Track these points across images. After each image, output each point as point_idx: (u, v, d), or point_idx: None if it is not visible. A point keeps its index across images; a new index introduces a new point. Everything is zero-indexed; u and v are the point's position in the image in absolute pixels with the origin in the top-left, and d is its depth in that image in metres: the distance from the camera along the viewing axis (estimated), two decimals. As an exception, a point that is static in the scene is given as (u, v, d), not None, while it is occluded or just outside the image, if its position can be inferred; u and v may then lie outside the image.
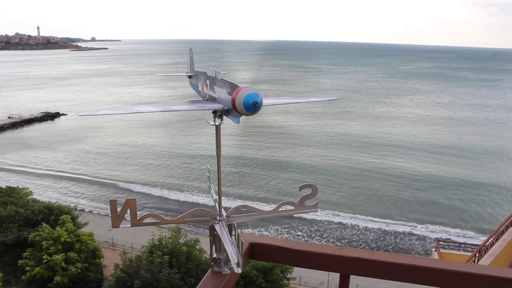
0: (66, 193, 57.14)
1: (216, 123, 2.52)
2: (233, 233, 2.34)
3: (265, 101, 2.54)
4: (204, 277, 2.22)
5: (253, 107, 2.53)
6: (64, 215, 32.58)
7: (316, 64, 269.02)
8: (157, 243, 30.14)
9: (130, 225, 2.32)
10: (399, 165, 65.70)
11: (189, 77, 4.73)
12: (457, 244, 26.84)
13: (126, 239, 39.69)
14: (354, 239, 44.72)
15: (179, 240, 31.77)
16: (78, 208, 47.22)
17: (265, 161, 65.57)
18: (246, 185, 56.14)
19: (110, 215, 2.31)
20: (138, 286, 25.53)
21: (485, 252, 16.69)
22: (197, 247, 30.62)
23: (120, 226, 2.28)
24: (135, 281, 25.55)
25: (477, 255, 16.55)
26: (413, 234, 45.60)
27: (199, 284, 2.16)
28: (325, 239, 44.56)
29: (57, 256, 28.81)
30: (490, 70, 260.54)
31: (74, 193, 57.33)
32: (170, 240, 31.47)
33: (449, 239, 41.52)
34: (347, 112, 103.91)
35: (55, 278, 28.99)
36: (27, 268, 29.37)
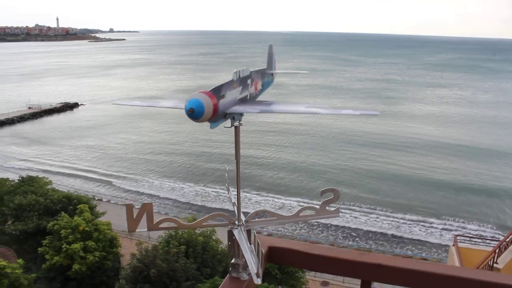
0: (84, 183, 58.02)
1: (235, 124, 2.46)
2: (252, 239, 2.28)
3: (276, 107, 2.53)
4: (223, 282, 2.17)
5: (189, 114, 2.50)
6: (82, 205, 33.08)
7: (347, 55, 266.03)
8: (173, 233, 30.41)
9: (146, 229, 2.28)
10: (419, 159, 64.91)
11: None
12: (476, 240, 26.39)
13: (143, 229, 40.11)
14: (370, 232, 44.47)
15: (196, 231, 32.04)
16: (96, 198, 47.92)
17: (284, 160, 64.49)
18: (264, 185, 55.40)
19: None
20: (154, 275, 25.81)
21: (505, 248, 16.37)
22: (213, 237, 30.78)
23: (136, 231, 2.25)
24: (151, 270, 25.83)
25: (497, 251, 16.22)
26: (431, 228, 45.09)
27: (218, 290, 2.11)
28: (341, 231, 44.47)
29: (75, 245, 29.29)
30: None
31: (92, 183, 58.17)
32: (186, 230, 31.77)
33: (468, 233, 40.97)
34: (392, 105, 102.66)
35: (73, 266, 29.51)
36: (47, 256, 29.96)
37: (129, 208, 2.25)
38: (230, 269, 2.24)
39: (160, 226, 2.27)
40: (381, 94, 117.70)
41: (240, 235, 2.24)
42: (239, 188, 2.42)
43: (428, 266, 2.23)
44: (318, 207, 2.44)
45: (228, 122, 2.56)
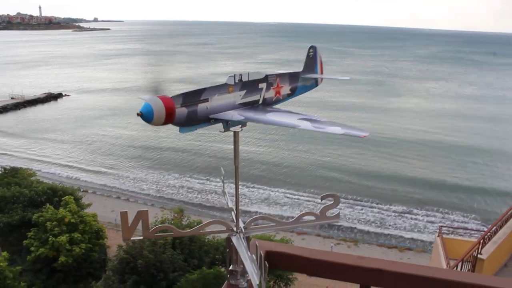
0: (69, 175, 57.36)
1: (234, 130, 2.40)
2: (251, 244, 2.21)
3: (266, 117, 2.51)
4: (221, 290, 2.11)
5: (140, 117, 2.66)
6: (67, 196, 32.71)
7: (341, 46, 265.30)
8: (160, 224, 30.29)
9: (142, 237, 2.21)
10: (404, 153, 65.45)
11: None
12: (460, 231, 26.85)
13: (129, 220, 39.83)
14: (355, 223, 44.89)
15: (182, 222, 31.96)
16: (82, 189, 47.43)
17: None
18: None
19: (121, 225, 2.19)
20: (141, 267, 25.72)
21: (489, 239, 16.65)
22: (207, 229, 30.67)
23: (131, 238, 2.18)
24: (139, 261, 25.74)
25: (481, 242, 16.49)
26: (416, 220, 45.71)
27: (216, 297, 2.05)
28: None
29: (61, 238, 29.02)
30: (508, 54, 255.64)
31: (78, 174, 57.55)
32: (173, 221, 31.68)
33: (452, 225, 41.64)
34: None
35: (59, 258, 29.25)
36: (32, 248, 29.64)
37: (124, 215, 2.18)
38: (228, 276, 2.18)
39: (156, 234, 2.20)
40: (369, 87, 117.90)
41: (239, 243, 2.18)
42: (237, 194, 2.36)
43: (427, 271, 2.21)
44: (318, 212, 2.39)
45: (226, 128, 2.50)
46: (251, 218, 2.36)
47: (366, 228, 44.04)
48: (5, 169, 40.98)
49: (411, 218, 45.86)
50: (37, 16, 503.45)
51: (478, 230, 29.09)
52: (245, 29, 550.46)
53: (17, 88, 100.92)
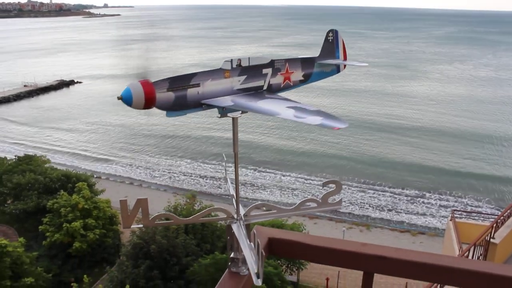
0: (82, 161, 58.01)
1: (233, 116, 2.37)
2: (252, 232, 2.20)
3: (256, 105, 2.47)
4: (222, 277, 2.10)
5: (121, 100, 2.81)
6: (80, 183, 33.17)
7: (356, 29, 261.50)
8: (172, 210, 30.62)
9: (142, 226, 2.21)
10: (417, 140, 64.82)
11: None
12: (473, 214, 26.64)
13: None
14: (366, 206, 44.84)
15: (194, 207, 32.25)
16: (95, 176, 47.96)
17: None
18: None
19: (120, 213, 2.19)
20: (154, 252, 26.09)
21: (503, 224, 16.51)
22: (212, 214, 30.87)
23: (131, 227, 2.18)
24: (152, 247, 26.09)
25: (494, 226, 16.36)
26: (428, 204, 45.46)
27: (217, 285, 2.05)
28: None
29: (75, 223, 29.52)
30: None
31: (90, 161, 58.16)
32: (185, 206, 31.98)
33: (465, 208, 41.33)
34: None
35: (74, 244, 29.84)
36: (47, 234, 30.24)
37: (124, 203, 2.17)
38: (229, 263, 2.18)
39: (156, 222, 2.19)
40: (383, 70, 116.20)
41: (239, 231, 2.17)
42: (237, 181, 2.34)
43: (432, 258, 2.18)
44: (319, 199, 2.36)
45: (222, 113, 2.48)
46: (251, 205, 2.34)
47: (379, 212, 43.98)
48: (19, 157, 41.57)
49: (423, 202, 45.61)
50: (47, 3, 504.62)
51: (491, 214, 28.84)
52: (257, 12, 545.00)
53: (30, 76, 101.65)
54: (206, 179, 51.70)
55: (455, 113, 75.79)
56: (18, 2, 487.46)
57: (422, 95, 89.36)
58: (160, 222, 2.22)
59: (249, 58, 3.37)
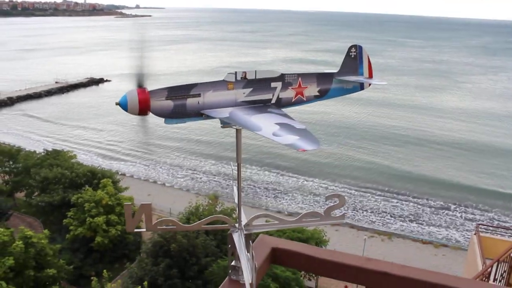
0: (108, 158, 59.04)
1: (236, 127, 2.39)
2: (255, 241, 2.21)
3: (245, 119, 2.52)
4: (221, 285, 2.12)
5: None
6: (105, 179, 33.79)
7: (391, 37, 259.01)
8: (194, 210, 30.82)
9: (144, 230, 2.25)
10: (444, 137, 63.47)
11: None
12: (499, 230, 25.86)
13: (165, 205, 40.77)
14: (390, 216, 44.16)
15: (216, 208, 32.38)
16: (120, 173, 48.78)
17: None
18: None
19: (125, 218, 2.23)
20: (174, 250, 26.31)
21: (529, 241, 15.99)
22: (234, 215, 31.02)
23: (135, 231, 2.22)
24: (172, 245, 26.32)
25: (519, 242, 15.83)
26: (453, 216, 44.44)
27: (216, 292, 2.06)
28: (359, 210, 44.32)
29: (98, 219, 30.10)
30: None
31: (115, 158, 59.15)
32: (207, 207, 32.13)
33: (491, 223, 40.17)
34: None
35: (96, 239, 30.41)
36: (71, 227, 30.93)
37: (128, 208, 2.22)
38: (230, 271, 2.19)
39: (159, 227, 2.23)
40: (411, 80, 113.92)
41: (239, 240, 2.18)
42: (240, 191, 2.35)
43: (435, 277, 2.13)
44: (322, 212, 2.35)
45: (224, 124, 2.52)
46: (253, 216, 2.35)
47: (401, 221, 43.24)
48: (47, 151, 42.68)
49: (447, 214, 44.62)
50: (81, 3, 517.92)
51: (519, 230, 27.94)
52: (289, 17, 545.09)
53: (62, 73, 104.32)
54: (230, 180, 51.81)
55: (487, 127, 73.61)
56: (54, 2, 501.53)
57: (451, 106, 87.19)
58: (163, 227, 2.26)
59: (255, 71, 3.39)
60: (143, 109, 3.04)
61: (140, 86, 3.08)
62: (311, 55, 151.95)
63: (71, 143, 62.84)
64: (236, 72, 3.30)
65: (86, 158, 56.23)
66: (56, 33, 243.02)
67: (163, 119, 3.18)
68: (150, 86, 3.21)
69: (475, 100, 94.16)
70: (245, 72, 3.34)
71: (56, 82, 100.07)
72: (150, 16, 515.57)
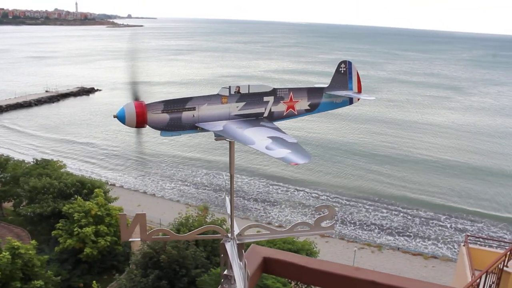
0: (98, 168, 58.62)
1: (230, 140, 2.46)
2: (247, 252, 2.25)
3: (237, 133, 2.63)
4: (214, 294, 2.16)
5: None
6: (98, 189, 33.56)
7: (387, 49, 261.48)
8: (184, 221, 30.65)
9: (139, 239, 2.29)
10: (434, 153, 64.02)
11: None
12: (488, 241, 26.06)
13: (154, 215, 40.48)
14: (379, 228, 44.30)
15: (206, 219, 32.23)
16: (110, 183, 48.43)
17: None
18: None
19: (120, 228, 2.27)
20: (164, 262, 26.12)
21: (517, 252, 16.11)
22: (224, 226, 30.82)
23: (129, 240, 2.25)
24: (162, 257, 26.13)
25: (508, 254, 15.97)
26: (442, 227, 44.72)
27: (208, 301, 2.10)
28: (348, 223, 44.39)
29: (87, 229, 29.81)
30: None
31: (105, 168, 58.75)
32: (197, 218, 31.97)
33: (480, 234, 40.50)
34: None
35: (85, 250, 30.09)
36: (60, 239, 30.54)
37: (123, 218, 2.26)
38: (222, 280, 2.23)
39: (153, 236, 2.27)
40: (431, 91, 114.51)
41: (232, 249, 2.22)
42: (232, 202, 2.40)
43: (423, 286, 2.20)
44: (312, 223, 2.41)
45: (217, 136, 2.59)
46: (245, 226, 2.40)
47: (392, 233, 43.39)
48: (37, 160, 42.30)
49: (436, 225, 44.91)
50: (73, 12, 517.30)
51: (507, 242, 28.21)
52: (282, 29, 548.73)
53: (52, 82, 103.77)
54: (221, 192, 51.68)
55: (476, 140, 74.62)
56: (46, 10, 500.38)
57: (440, 120, 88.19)
58: (157, 237, 2.30)
59: (248, 85, 3.46)
60: (140, 122, 3.10)
61: (137, 99, 3.12)
62: (302, 66, 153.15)
63: (60, 153, 62.36)
64: (230, 87, 3.38)
65: (75, 167, 55.81)
66: (47, 42, 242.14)
67: (159, 131, 3.24)
68: (144, 98, 3.27)
69: (465, 113, 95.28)
70: (238, 87, 3.41)
71: (46, 91, 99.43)
72: (142, 26, 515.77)
